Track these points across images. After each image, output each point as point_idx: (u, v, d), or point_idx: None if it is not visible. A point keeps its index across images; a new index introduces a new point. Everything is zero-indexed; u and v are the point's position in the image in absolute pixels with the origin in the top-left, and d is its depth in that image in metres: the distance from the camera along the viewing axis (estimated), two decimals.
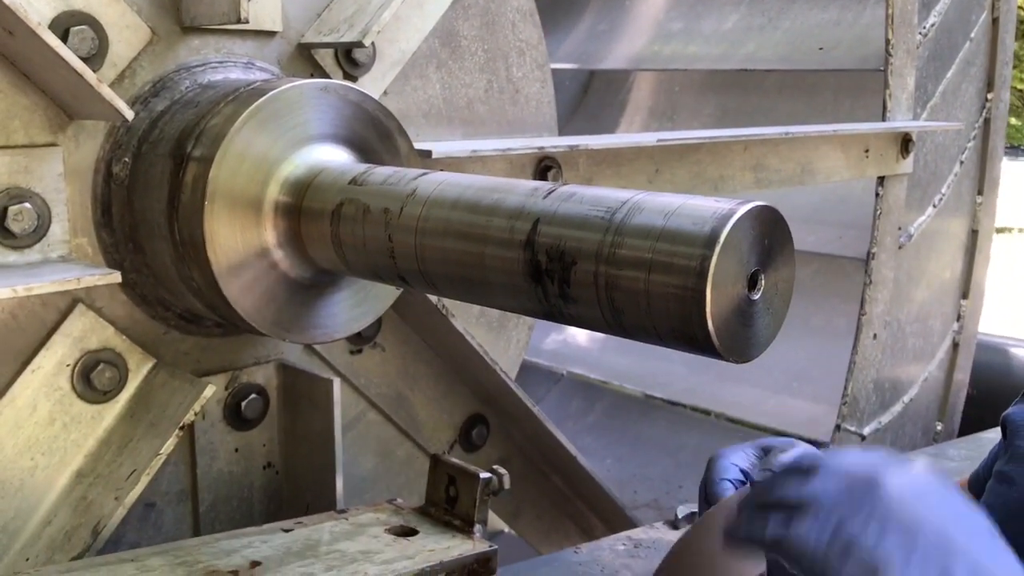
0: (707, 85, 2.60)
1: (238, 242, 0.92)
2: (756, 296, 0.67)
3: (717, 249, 0.63)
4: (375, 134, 1.00)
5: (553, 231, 0.73)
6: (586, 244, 0.70)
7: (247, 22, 0.95)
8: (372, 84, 1.15)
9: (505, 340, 1.41)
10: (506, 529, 1.64)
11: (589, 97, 2.83)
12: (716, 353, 0.66)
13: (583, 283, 0.71)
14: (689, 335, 0.66)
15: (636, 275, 0.67)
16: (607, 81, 2.81)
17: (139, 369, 1.03)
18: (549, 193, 0.76)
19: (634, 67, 2.53)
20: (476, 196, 0.81)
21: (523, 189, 0.79)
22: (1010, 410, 1.05)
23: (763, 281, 0.67)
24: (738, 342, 0.67)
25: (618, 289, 0.69)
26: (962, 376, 2.37)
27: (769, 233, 0.67)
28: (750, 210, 0.65)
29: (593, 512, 1.51)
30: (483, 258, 0.78)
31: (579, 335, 2.84)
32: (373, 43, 1.11)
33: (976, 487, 1.10)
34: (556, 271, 0.72)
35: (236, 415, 1.11)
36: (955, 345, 2.33)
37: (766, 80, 2.45)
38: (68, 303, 0.98)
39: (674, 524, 1.33)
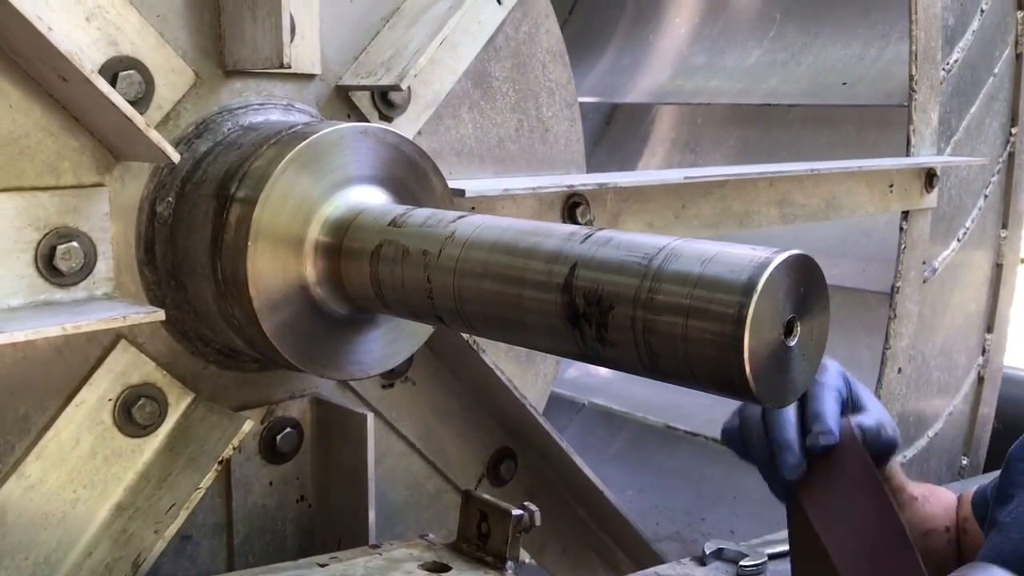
0: (729, 118, 2.62)
1: (279, 280, 0.94)
2: (792, 342, 0.68)
3: (755, 297, 0.65)
4: (412, 175, 1.02)
5: (591, 275, 0.75)
6: (624, 289, 0.72)
7: (289, 67, 0.98)
8: (407, 125, 1.18)
9: (533, 374, 1.43)
10: (528, 559, 1.64)
11: (612, 129, 2.86)
12: (753, 398, 0.67)
13: (620, 327, 0.72)
14: (726, 381, 0.67)
15: (674, 320, 0.69)
16: (629, 113, 2.83)
17: (178, 404, 1.05)
18: (586, 238, 0.78)
19: (657, 101, 2.55)
20: (514, 239, 0.82)
21: (560, 233, 0.81)
22: (1013, 446, 1.05)
23: (799, 328, 0.69)
24: (774, 387, 0.68)
25: (655, 334, 0.70)
26: (988, 410, 2.36)
27: (804, 280, 0.69)
28: (786, 258, 0.67)
29: (619, 546, 1.51)
30: (521, 300, 0.80)
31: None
32: (408, 85, 1.13)
33: (979, 503, 1.11)
34: (593, 315, 0.74)
35: (271, 449, 1.12)
36: (980, 379, 2.32)
37: (789, 114, 2.46)
38: (111, 339, 1.01)
39: (702, 560, 1.33)
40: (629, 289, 0.71)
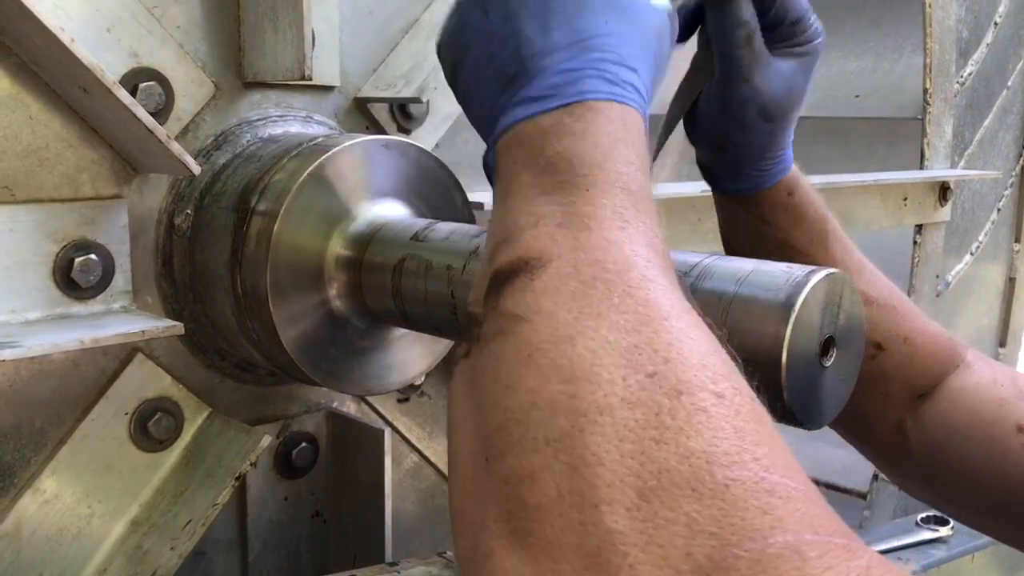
0: None
1: (299, 294, 0.93)
2: (828, 363, 0.67)
3: (792, 317, 0.64)
4: (432, 188, 1.01)
5: None
6: None
7: (311, 79, 0.98)
8: (425, 137, 1.17)
9: None
10: None
11: None
12: (789, 419, 0.66)
13: None
14: (763, 401, 0.66)
15: None
16: None
17: (194, 418, 1.04)
18: None
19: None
20: None
21: None
22: None
23: (835, 348, 0.68)
24: (811, 408, 0.67)
25: None
26: None
27: (840, 299, 0.68)
28: (823, 277, 0.66)
29: None
30: None
31: None
32: (428, 98, 1.13)
33: None
34: None
35: (287, 464, 1.11)
36: None
37: (799, 126, 2.45)
38: (127, 352, 1.00)
39: None
40: None
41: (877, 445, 0.93)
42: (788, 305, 0.64)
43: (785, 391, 0.64)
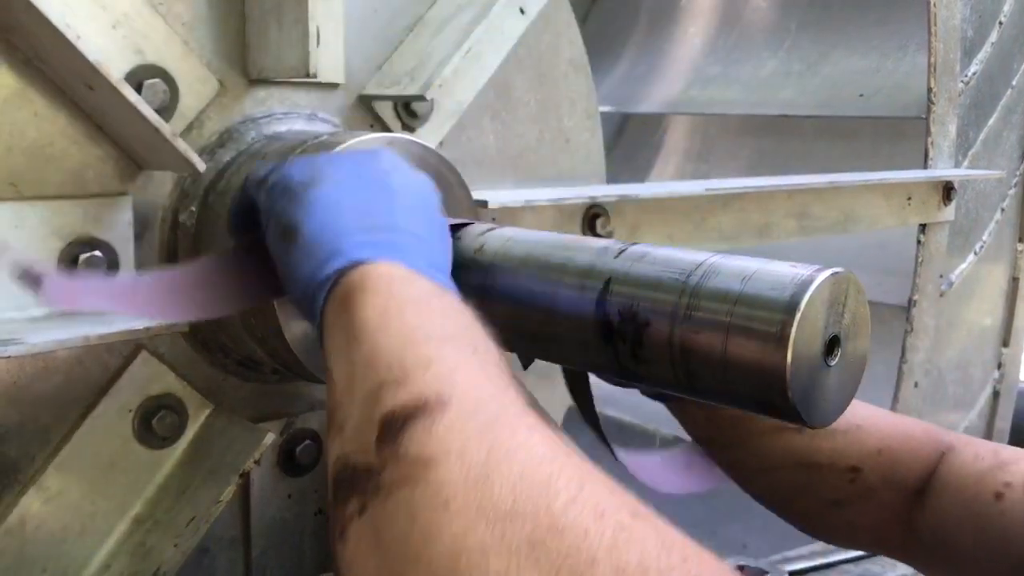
0: (743, 129, 2.61)
1: None
2: (833, 362, 0.67)
3: (797, 316, 0.64)
4: (437, 186, 1.01)
5: (626, 291, 0.74)
6: (660, 305, 0.71)
7: (315, 76, 0.98)
8: (430, 135, 1.17)
9: (551, 387, 1.41)
10: None
11: (624, 139, 2.85)
12: (793, 418, 0.66)
13: (657, 344, 0.71)
14: (767, 400, 0.66)
15: (713, 338, 0.67)
16: (642, 123, 2.83)
17: (198, 415, 1.04)
18: (620, 253, 0.77)
19: (671, 111, 2.54)
20: (545, 253, 0.81)
21: (592, 248, 0.79)
22: None
23: (840, 347, 0.67)
24: (815, 407, 0.67)
25: (693, 351, 0.69)
26: (1003, 424, 2.34)
27: (846, 298, 0.68)
28: (829, 276, 0.66)
29: None
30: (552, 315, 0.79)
31: None
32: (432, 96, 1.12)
33: None
34: (628, 331, 0.73)
35: (290, 461, 1.11)
36: (996, 393, 2.30)
37: (803, 124, 2.46)
38: (132, 349, 1.00)
39: None
40: (666, 305, 0.70)
41: (890, 547, 0.96)
42: (793, 303, 0.64)
43: (790, 390, 0.64)
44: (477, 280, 0.84)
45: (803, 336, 0.64)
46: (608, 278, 0.75)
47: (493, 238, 0.86)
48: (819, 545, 1.54)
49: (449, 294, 0.66)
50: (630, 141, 2.83)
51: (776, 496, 0.99)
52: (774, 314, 0.64)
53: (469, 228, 0.89)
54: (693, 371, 0.69)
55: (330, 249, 0.66)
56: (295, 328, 0.93)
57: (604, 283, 0.75)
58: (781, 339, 0.64)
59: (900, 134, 2.33)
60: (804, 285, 0.65)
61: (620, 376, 0.77)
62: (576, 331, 0.77)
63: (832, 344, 0.67)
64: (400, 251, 0.67)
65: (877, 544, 0.97)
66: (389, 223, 0.69)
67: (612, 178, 1.50)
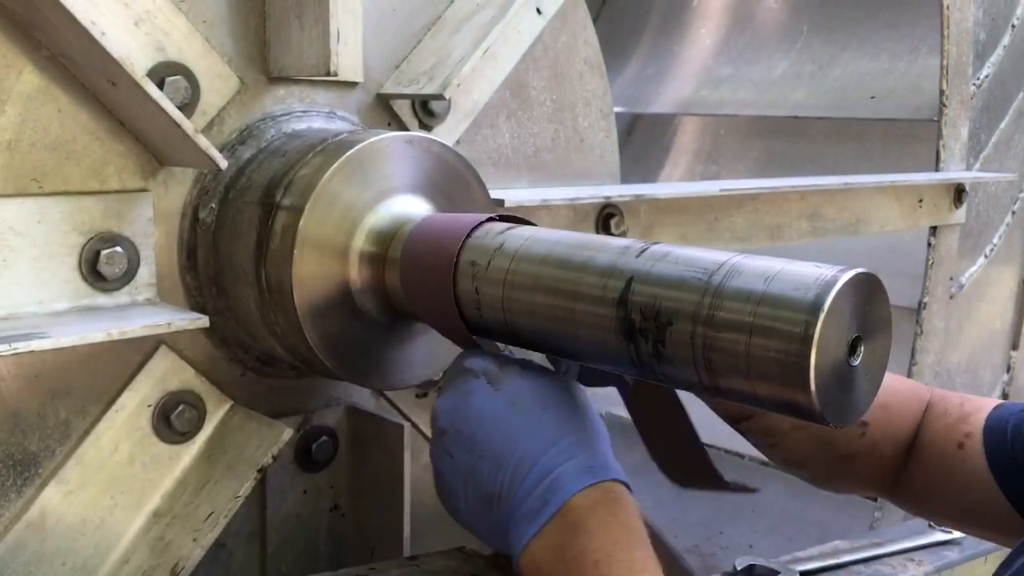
0: (753, 129, 2.61)
1: (323, 289, 0.94)
2: (856, 362, 0.67)
3: (822, 316, 0.64)
4: (455, 185, 1.02)
5: (648, 290, 0.74)
6: (683, 305, 0.71)
7: (336, 75, 0.98)
8: (446, 133, 1.17)
9: None
10: None
11: (634, 139, 2.85)
12: (816, 418, 0.66)
13: (679, 343, 0.71)
14: (790, 400, 0.66)
15: (736, 338, 0.68)
16: (652, 123, 2.83)
17: (216, 411, 1.05)
18: (641, 252, 0.77)
19: (682, 112, 2.55)
20: (566, 252, 0.82)
21: (613, 247, 0.80)
22: None
23: (862, 347, 0.68)
24: (838, 408, 0.67)
25: (716, 351, 0.69)
26: None
27: (868, 299, 0.68)
28: (852, 277, 0.66)
29: None
30: (573, 313, 0.79)
31: None
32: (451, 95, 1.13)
33: (996, 416, 0.98)
34: (651, 330, 0.73)
35: (307, 457, 1.12)
36: (1005, 396, 2.30)
37: (813, 126, 2.46)
38: (152, 345, 1.01)
39: None
40: (689, 305, 0.71)
41: (883, 492, 1.09)
42: (818, 304, 0.64)
43: (813, 390, 0.65)
44: (497, 279, 0.85)
45: (827, 336, 0.64)
46: (630, 277, 0.75)
47: (512, 237, 0.87)
48: (828, 546, 1.54)
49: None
50: (640, 141, 2.83)
51: (795, 455, 1.04)
52: (798, 314, 0.65)
53: (488, 226, 0.90)
54: (716, 370, 0.70)
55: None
56: (314, 324, 0.93)
57: (626, 282, 0.75)
58: (805, 339, 0.64)
59: (909, 136, 2.33)
60: (828, 285, 0.65)
61: (640, 375, 0.77)
62: (597, 329, 0.78)
63: (855, 344, 0.67)
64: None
65: (873, 490, 1.11)
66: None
67: (622, 178, 1.51)
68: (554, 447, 0.74)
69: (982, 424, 0.97)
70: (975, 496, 0.95)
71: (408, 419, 1.19)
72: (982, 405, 1.00)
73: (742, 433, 1.06)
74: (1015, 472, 0.93)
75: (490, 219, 0.90)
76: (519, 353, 0.88)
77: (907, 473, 1.03)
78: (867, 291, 0.68)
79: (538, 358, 0.86)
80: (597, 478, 0.74)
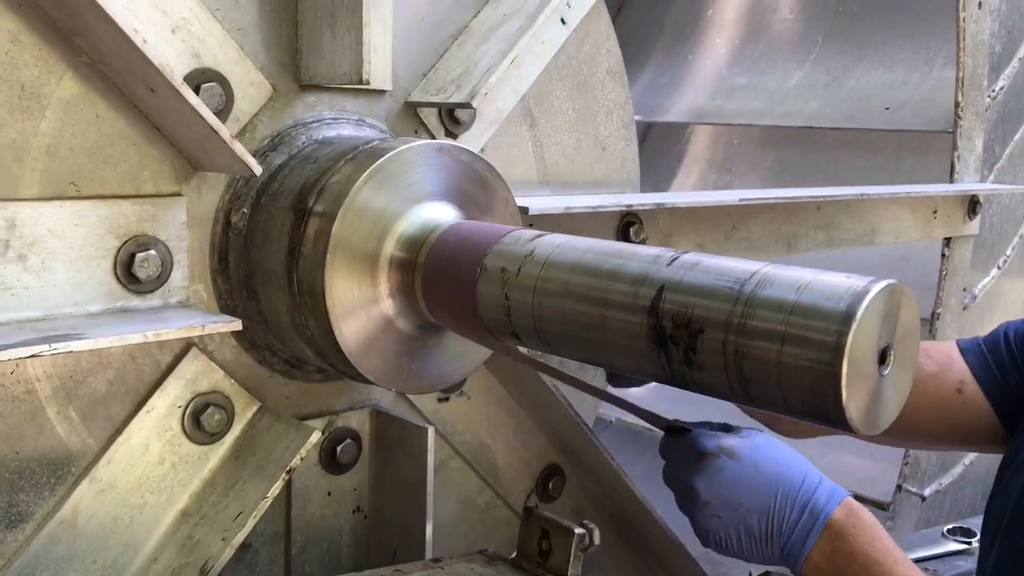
0: (766, 139, 2.63)
1: (354, 293, 0.95)
2: (886, 372, 0.69)
3: (854, 326, 0.65)
4: (483, 192, 1.03)
5: (679, 299, 0.75)
6: (714, 313, 0.73)
7: (368, 83, 1.00)
8: (471, 141, 1.19)
9: (582, 393, 1.43)
10: None
11: (647, 148, 2.87)
12: (847, 427, 0.68)
13: (711, 351, 0.73)
14: (821, 409, 0.68)
15: (768, 346, 0.69)
16: (665, 132, 2.84)
17: (244, 412, 1.06)
18: (672, 261, 0.78)
19: (696, 121, 2.56)
20: (597, 260, 0.83)
21: (643, 256, 0.81)
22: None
23: (892, 357, 0.69)
24: (868, 417, 0.68)
25: (748, 359, 0.70)
26: None
27: (898, 309, 0.69)
28: (883, 288, 0.67)
29: (665, 567, 1.51)
30: (604, 320, 0.81)
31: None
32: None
33: (977, 359, 1.19)
34: (682, 338, 0.74)
35: (332, 459, 1.13)
36: None
37: (827, 136, 2.47)
38: (182, 347, 1.02)
39: None
40: (721, 314, 0.72)
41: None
42: (850, 314, 0.66)
43: (844, 399, 0.66)
44: (528, 285, 0.86)
45: (858, 346, 0.66)
46: (661, 286, 0.77)
47: (543, 244, 0.88)
48: None
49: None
50: (653, 150, 2.84)
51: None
52: (830, 324, 0.66)
53: (518, 234, 0.91)
54: (747, 378, 0.71)
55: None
56: (345, 328, 0.95)
57: (657, 290, 0.77)
58: (837, 349, 0.65)
59: (923, 147, 2.34)
60: (860, 296, 0.66)
61: (669, 382, 0.79)
62: (628, 337, 0.79)
63: (884, 354, 0.69)
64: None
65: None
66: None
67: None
68: (799, 487, 0.98)
69: (964, 366, 1.20)
70: (972, 427, 1.19)
71: (428, 421, 1.21)
72: (948, 350, 1.22)
73: None
74: (1007, 396, 1.17)
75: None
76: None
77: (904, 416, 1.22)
78: (898, 302, 0.69)
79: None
80: (838, 496, 0.99)
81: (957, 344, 1.25)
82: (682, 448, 1.02)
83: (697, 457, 1.00)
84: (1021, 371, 1.18)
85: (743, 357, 0.71)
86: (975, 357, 1.20)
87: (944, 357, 1.22)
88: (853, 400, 0.66)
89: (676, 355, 0.75)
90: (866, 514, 1.01)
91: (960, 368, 1.20)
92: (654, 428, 2.85)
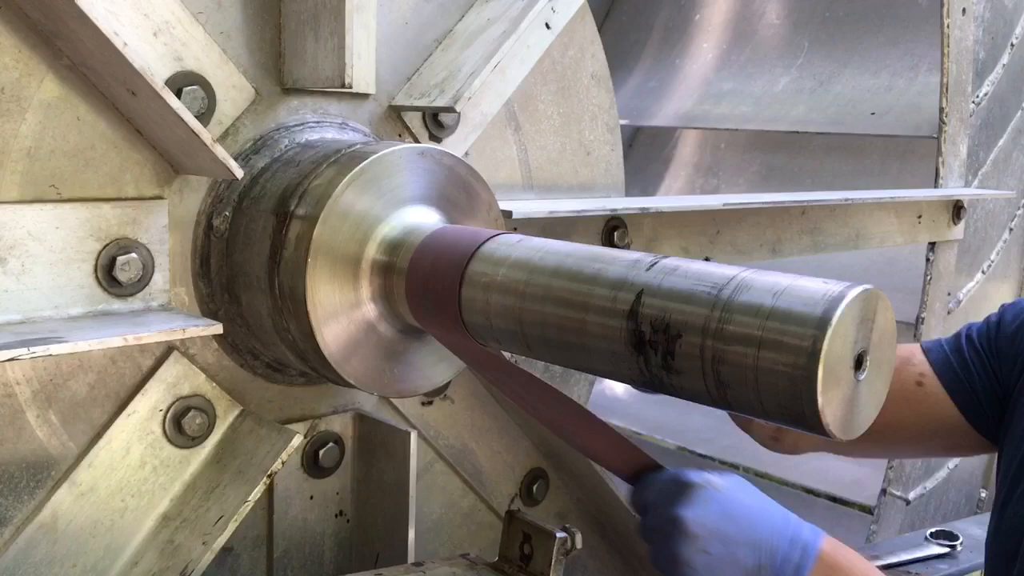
0: (753, 144, 2.64)
1: (336, 297, 0.95)
2: (861, 376, 0.69)
3: (829, 331, 0.66)
4: (465, 196, 1.03)
5: (657, 303, 0.76)
6: (692, 318, 0.73)
7: (351, 87, 1.00)
8: (455, 145, 1.19)
9: (567, 395, 1.43)
10: None
11: (634, 152, 2.88)
12: (823, 431, 0.68)
13: (688, 355, 0.73)
14: (797, 413, 0.68)
15: (745, 351, 0.69)
16: (652, 136, 2.85)
17: (226, 416, 1.06)
18: (651, 266, 0.79)
19: (683, 125, 2.57)
20: (577, 265, 0.83)
21: (623, 261, 0.81)
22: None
23: (867, 362, 0.69)
24: (844, 421, 0.69)
25: (725, 363, 0.71)
26: None
27: (874, 315, 0.70)
28: (859, 293, 0.68)
29: (646, 571, 1.51)
30: (584, 324, 0.81)
31: (616, 386, 2.85)
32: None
33: (939, 357, 1.20)
34: (660, 342, 0.75)
35: (314, 463, 1.13)
36: None
37: (813, 141, 2.48)
38: (164, 350, 1.02)
39: None
40: (698, 318, 0.72)
41: (846, 446, 1.29)
42: (825, 319, 0.66)
43: (820, 404, 0.66)
44: (509, 288, 0.86)
45: (834, 351, 0.66)
46: (640, 290, 0.77)
47: (524, 249, 0.88)
48: None
49: None
50: (640, 154, 2.85)
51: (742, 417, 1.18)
52: (806, 329, 0.66)
53: (500, 238, 0.91)
54: (724, 383, 0.71)
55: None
56: (327, 332, 0.95)
57: (636, 295, 0.77)
58: (813, 353, 0.66)
59: (908, 152, 2.36)
60: (836, 301, 0.67)
61: (647, 387, 0.79)
62: (608, 341, 0.79)
63: (860, 359, 0.69)
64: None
65: (828, 447, 1.29)
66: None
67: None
68: (785, 520, 0.96)
69: (925, 361, 1.22)
70: (936, 422, 1.20)
71: (411, 425, 1.21)
72: (910, 348, 1.24)
73: None
74: (970, 394, 1.18)
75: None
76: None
77: None
78: (874, 307, 0.69)
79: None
80: (818, 531, 0.97)
81: (920, 345, 1.26)
82: (664, 482, 0.98)
83: (682, 488, 0.96)
84: (987, 367, 1.19)
85: (720, 362, 0.71)
86: (936, 355, 1.22)
87: (905, 352, 1.24)
88: (829, 404, 0.67)
89: (655, 360, 0.75)
90: (848, 548, 1.00)
91: (920, 362, 1.22)
92: (643, 434, 2.85)
